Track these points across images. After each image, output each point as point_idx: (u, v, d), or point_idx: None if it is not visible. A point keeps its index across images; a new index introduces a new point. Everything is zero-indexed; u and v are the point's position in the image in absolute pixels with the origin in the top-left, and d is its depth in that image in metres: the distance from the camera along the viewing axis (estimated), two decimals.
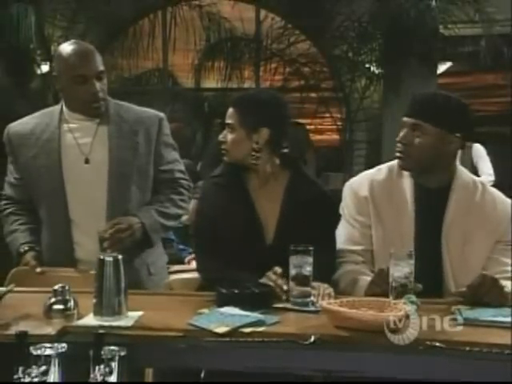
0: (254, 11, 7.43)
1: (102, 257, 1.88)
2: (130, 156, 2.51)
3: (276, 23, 7.20)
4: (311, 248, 1.99)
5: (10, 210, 2.62)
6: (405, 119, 2.24)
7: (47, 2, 6.49)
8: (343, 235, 2.33)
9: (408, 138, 2.22)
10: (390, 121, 6.91)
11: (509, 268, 2.21)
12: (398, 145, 2.25)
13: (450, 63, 7.25)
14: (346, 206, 2.36)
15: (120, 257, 1.88)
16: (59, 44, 6.55)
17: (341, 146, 7.39)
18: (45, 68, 6.77)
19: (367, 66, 7.06)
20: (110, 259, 1.87)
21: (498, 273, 2.14)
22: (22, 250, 2.47)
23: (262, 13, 7.37)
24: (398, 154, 2.26)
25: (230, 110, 2.28)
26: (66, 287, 1.91)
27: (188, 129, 7.58)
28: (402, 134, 2.24)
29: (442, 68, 7.20)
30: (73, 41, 2.54)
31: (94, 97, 2.45)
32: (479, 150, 6.37)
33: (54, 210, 2.51)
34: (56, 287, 1.91)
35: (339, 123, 7.39)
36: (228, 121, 2.28)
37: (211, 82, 7.46)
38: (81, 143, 2.50)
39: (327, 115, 7.42)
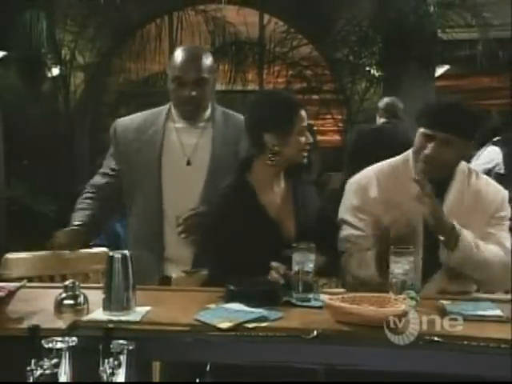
0: (257, 16, 7.49)
1: (110, 253, 1.89)
2: (230, 163, 2.49)
3: (279, 27, 7.29)
4: (313, 245, 2.04)
5: (88, 194, 2.68)
6: (433, 133, 2.25)
7: (58, 8, 6.59)
8: (349, 229, 2.36)
9: (438, 151, 2.25)
10: None
11: (503, 236, 2.33)
12: (426, 158, 2.27)
13: (448, 66, 7.29)
14: (354, 202, 2.38)
15: (128, 253, 1.89)
16: (69, 48, 6.83)
17: (342, 147, 7.33)
18: (55, 71, 6.89)
19: (367, 69, 7.13)
20: (119, 256, 1.86)
21: (495, 243, 2.29)
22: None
23: (266, 17, 7.44)
24: (423, 165, 2.28)
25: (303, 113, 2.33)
26: (76, 283, 1.93)
27: None
28: (430, 146, 2.25)
29: (440, 71, 7.26)
30: (192, 46, 2.58)
31: (188, 100, 2.51)
32: None
33: (149, 205, 2.54)
34: (67, 283, 1.93)
35: (340, 124, 7.47)
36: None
37: (216, 85, 7.55)
38: (184, 144, 2.56)
39: (328, 117, 7.47)
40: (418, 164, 2.31)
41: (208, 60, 2.56)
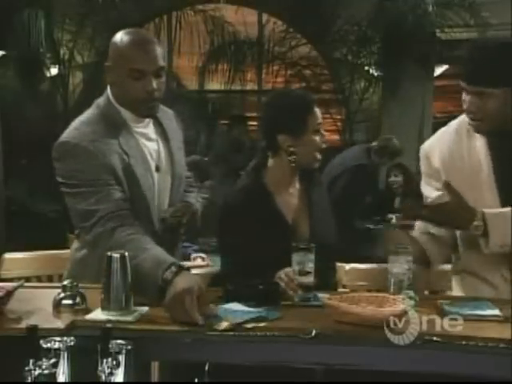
0: (256, 15, 7.52)
1: (109, 253, 1.85)
2: (183, 160, 2.38)
3: (278, 27, 7.32)
4: (313, 245, 2.03)
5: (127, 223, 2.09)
6: (465, 86, 2.03)
7: (57, 7, 6.59)
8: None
9: (475, 105, 2.04)
10: (388, 121, 7.08)
11: None
12: (466, 113, 2.09)
13: (447, 66, 7.30)
14: (422, 167, 2.29)
15: (126, 254, 1.86)
16: (68, 47, 6.83)
17: (341, 146, 7.33)
18: (54, 71, 6.90)
19: (366, 68, 7.18)
20: (117, 256, 1.84)
21: None
22: (174, 269, 1.90)
23: (265, 17, 7.48)
24: (470, 122, 2.10)
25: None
26: (75, 283, 1.91)
27: (192, 129, 7.71)
28: (467, 100, 2.05)
29: (439, 70, 7.28)
30: (132, 30, 2.23)
31: (149, 96, 2.14)
32: None
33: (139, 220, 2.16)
34: (65, 283, 1.92)
35: (339, 124, 7.48)
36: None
37: (215, 84, 7.53)
38: (151, 150, 2.26)
39: (327, 116, 7.37)
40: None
41: (159, 44, 2.22)
